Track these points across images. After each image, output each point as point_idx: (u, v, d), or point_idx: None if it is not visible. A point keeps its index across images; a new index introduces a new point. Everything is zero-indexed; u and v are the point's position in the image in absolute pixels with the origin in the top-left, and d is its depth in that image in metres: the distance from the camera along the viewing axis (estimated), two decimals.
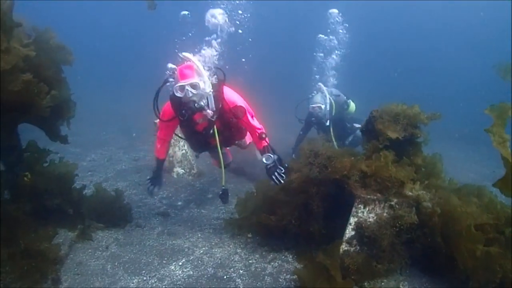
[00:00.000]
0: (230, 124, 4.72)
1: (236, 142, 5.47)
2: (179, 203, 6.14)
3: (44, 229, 4.07)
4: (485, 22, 27.21)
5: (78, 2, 30.76)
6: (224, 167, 4.82)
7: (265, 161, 4.62)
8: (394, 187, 3.93)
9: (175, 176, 7.41)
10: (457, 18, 28.89)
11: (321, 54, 11.37)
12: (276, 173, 4.51)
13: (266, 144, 4.78)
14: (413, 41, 30.45)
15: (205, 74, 4.35)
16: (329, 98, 8.08)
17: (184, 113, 4.38)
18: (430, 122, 4.68)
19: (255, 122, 4.83)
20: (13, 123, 3.98)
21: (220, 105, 4.53)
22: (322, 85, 8.36)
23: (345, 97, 8.60)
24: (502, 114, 3.35)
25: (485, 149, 10.75)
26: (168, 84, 4.49)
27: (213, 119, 4.50)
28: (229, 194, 4.89)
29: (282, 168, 4.54)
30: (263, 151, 4.72)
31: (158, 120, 4.88)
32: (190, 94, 4.24)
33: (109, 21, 35.71)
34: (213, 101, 4.46)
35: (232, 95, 4.70)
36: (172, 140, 7.18)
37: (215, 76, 4.61)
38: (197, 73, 4.28)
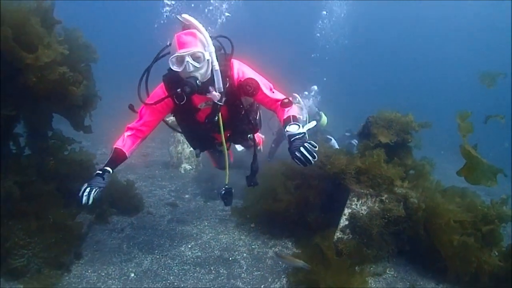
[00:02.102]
0: (239, 110, 3.65)
1: (248, 136, 4.18)
2: (186, 196, 6.59)
3: (68, 208, 4.52)
4: (485, 22, 27.86)
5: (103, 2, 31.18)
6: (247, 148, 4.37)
7: (290, 130, 3.23)
8: (385, 184, 4.42)
9: (182, 171, 7.90)
10: (457, 18, 29.43)
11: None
12: (304, 149, 2.96)
13: (293, 114, 3.44)
14: (410, 46, 31.06)
15: (210, 42, 3.28)
16: (305, 110, 7.64)
17: (181, 94, 3.19)
18: (421, 129, 5.21)
19: (276, 94, 3.62)
20: (50, 111, 4.43)
21: (228, 85, 3.44)
22: (298, 96, 7.65)
23: (316, 109, 8.40)
24: (464, 117, 4.19)
25: None
26: (163, 58, 3.56)
27: (221, 103, 3.40)
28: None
29: (313, 144, 3.03)
30: (287, 120, 3.36)
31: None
32: (191, 68, 3.17)
33: (126, 20, 35.86)
34: (220, 79, 3.30)
35: (243, 70, 3.55)
36: (182, 138, 7.65)
37: (221, 49, 3.55)
38: (201, 42, 3.23)
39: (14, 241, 3.90)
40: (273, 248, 4.78)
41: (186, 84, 3.14)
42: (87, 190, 3.31)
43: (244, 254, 4.61)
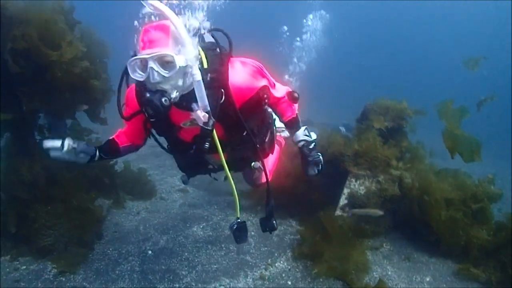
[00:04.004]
0: (239, 129, 2.65)
1: (256, 161, 2.97)
2: (196, 183, 6.95)
3: (88, 194, 4.90)
4: (485, 22, 28.06)
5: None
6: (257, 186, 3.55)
7: (301, 136, 2.83)
8: (381, 166, 4.78)
9: None
10: (456, 18, 29.63)
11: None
12: (314, 160, 2.74)
13: (296, 114, 2.93)
14: (410, 43, 31.29)
15: (189, 41, 2.28)
16: None
17: (147, 109, 2.27)
18: (415, 116, 5.59)
19: (280, 91, 2.88)
20: (73, 102, 4.79)
21: (223, 99, 2.42)
22: None
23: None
24: (445, 107, 4.72)
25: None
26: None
27: (209, 128, 2.35)
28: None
29: (319, 154, 2.81)
30: (295, 122, 2.89)
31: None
32: (156, 78, 2.17)
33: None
34: (203, 94, 2.31)
35: (245, 76, 2.55)
36: None
37: (216, 47, 2.54)
38: (175, 41, 2.23)
39: (42, 222, 4.30)
40: (278, 227, 5.14)
41: (147, 104, 2.19)
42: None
43: (252, 233, 4.99)
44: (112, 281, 3.96)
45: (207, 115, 2.32)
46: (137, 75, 2.26)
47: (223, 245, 4.69)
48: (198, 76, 2.28)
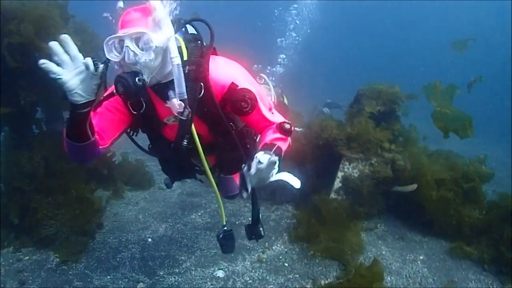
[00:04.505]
0: (225, 128, 2.32)
1: (244, 164, 2.08)
2: None
3: (88, 184, 4.99)
4: (485, 22, 28.11)
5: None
6: (230, 198, 3.15)
7: (258, 158, 1.92)
8: (373, 149, 4.88)
9: None
10: (456, 18, 29.68)
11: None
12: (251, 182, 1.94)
13: (282, 147, 2.25)
14: (409, 42, 31.32)
15: (169, 25, 2.11)
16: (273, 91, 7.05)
17: (117, 87, 1.98)
18: (407, 100, 5.68)
19: (275, 116, 2.45)
20: None
21: (203, 93, 2.20)
22: (265, 76, 6.40)
23: (280, 90, 8.01)
24: (434, 88, 4.88)
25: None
26: None
27: (184, 117, 2.14)
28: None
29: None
30: (267, 147, 2.13)
31: None
32: (131, 57, 1.98)
33: None
34: (182, 80, 2.08)
35: (230, 73, 2.30)
36: None
37: (197, 40, 2.31)
38: (153, 22, 2.06)
39: (43, 213, 4.38)
40: (275, 212, 5.27)
41: (118, 81, 1.94)
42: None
43: (249, 218, 5.07)
44: (113, 268, 4.06)
45: (182, 103, 2.07)
46: (113, 55, 2.03)
47: None
48: (177, 60, 2.06)
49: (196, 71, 2.16)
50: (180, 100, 2.07)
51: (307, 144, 5.28)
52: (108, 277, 3.93)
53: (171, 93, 2.12)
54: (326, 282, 3.90)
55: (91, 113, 1.98)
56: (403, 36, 31.36)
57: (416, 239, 4.79)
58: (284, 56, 8.39)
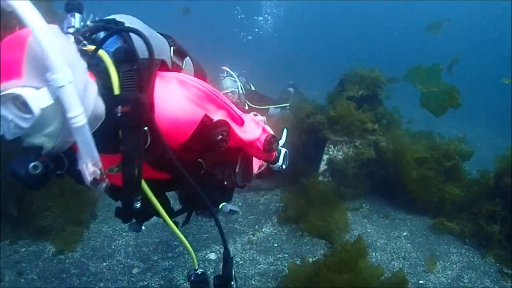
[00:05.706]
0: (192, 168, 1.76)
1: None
2: None
3: None
4: (485, 22, 28.28)
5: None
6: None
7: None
8: (357, 131, 5.04)
9: None
10: (456, 17, 29.71)
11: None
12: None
13: (268, 166, 2.44)
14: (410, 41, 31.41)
15: (67, 58, 1.21)
16: (239, 82, 6.59)
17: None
18: (389, 83, 5.84)
19: (250, 132, 1.98)
20: None
21: (148, 142, 1.53)
22: (227, 68, 6.66)
23: (244, 79, 7.52)
24: (417, 71, 4.95)
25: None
26: None
27: (96, 191, 1.46)
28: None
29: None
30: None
31: None
32: (13, 130, 1.21)
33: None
34: (89, 142, 1.32)
35: (182, 101, 1.60)
36: None
37: (131, 59, 1.51)
38: (32, 62, 1.17)
39: (38, 205, 4.49)
40: (264, 197, 5.43)
41: (11, 171, 1.29)
42: None
43: (239, 203, 5.25)
44: (108, 255, 4.20)
45: (98, 171, 1.39)
46: None
47: None
48: (79, 120, 1.24)
49: (133, 114, 1.44)
50: (95, 167, 1.38)
51: (293, 129, 5.44)
52: (104, 264, 4.07)
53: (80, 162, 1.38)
54: (314, 259, 4.08)
55: None
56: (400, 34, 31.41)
57: (400, 216, 4.99)
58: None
